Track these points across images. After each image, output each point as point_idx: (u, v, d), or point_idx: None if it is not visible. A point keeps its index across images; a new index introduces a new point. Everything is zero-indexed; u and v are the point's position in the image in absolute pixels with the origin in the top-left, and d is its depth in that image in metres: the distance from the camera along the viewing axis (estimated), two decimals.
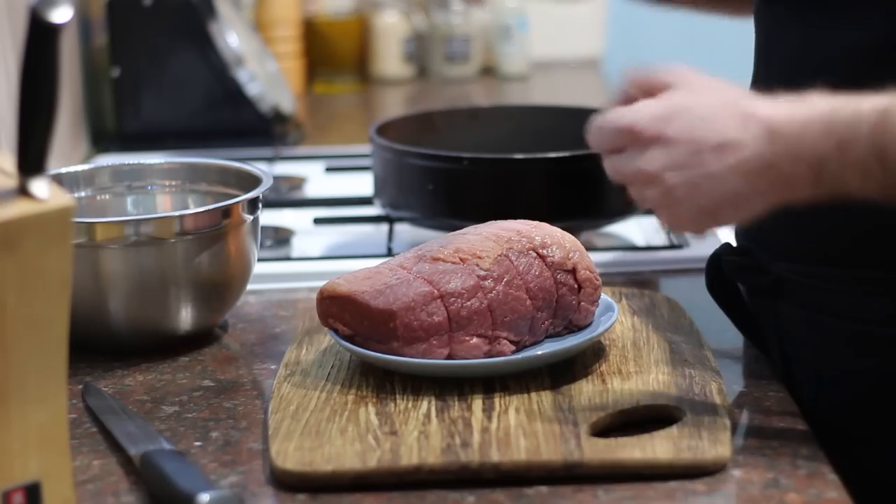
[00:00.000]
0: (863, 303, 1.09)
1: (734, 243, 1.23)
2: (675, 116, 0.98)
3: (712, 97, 0.99)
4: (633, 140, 1.00)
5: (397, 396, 1.09)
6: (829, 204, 1.10)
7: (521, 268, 1.15)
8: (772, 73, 1.16)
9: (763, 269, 1.16)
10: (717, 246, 1.22)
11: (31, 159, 0.84)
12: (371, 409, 1.08)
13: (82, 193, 1.36)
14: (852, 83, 1.07)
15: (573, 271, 1.17)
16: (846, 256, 1.10)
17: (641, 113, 1.00)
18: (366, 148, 1.68)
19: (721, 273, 1.20)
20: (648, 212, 1.16)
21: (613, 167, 1.02)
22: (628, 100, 1.04)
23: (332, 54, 2.56)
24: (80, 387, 1.17)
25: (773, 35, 1.15)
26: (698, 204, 0.98)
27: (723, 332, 1.24)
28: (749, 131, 0.96)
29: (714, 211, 0.98)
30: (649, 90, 1.02)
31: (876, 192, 0.95)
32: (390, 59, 2.58)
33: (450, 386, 1.10)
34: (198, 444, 1.07)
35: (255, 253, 1.30)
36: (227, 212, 1.25)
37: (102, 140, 2.14)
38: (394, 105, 2.50)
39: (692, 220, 0.99)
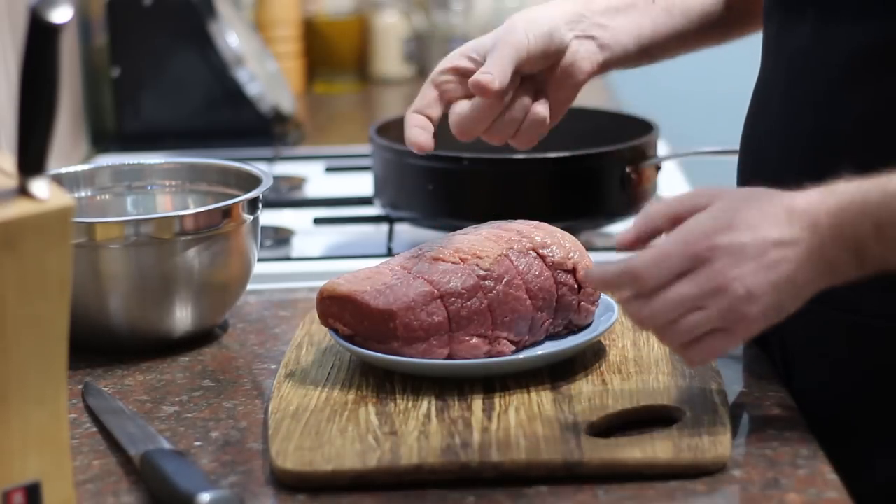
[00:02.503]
0: (864, 295, 1.09)
1: None
2: (731, 224, 0.97)
3: (750, 200, 0.98)
4: (698, 260, 0.97)
5: (397, 396, 1.10)
6: None
7: (521, 268, 1.15)
8: (781, 67, 1.16)
9: None
10: None
11: (31, 159, 0.84)
12: (371, 409, 1.08)
13: (82, 193, 1.36)
14: (865, 78, 1.07)
15: (573, 271, 1.17)
16: None
17: (697, 231, 0.98)
18: (366, 148, 1.68)
19: None
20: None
21: (672, 300, 0.98)
22: (642, 239, 1.03)
23: (332, 54, 2.56)
24: (80, 387, 1.17)
25: (785, 28, 1.15)
26: (766, 303, 0.97)
27: None
28: (796, 225, 0.96)
29: (780, 306, 0.98)
30: (676, 219, 1.01)
31: None
32: (390, 59, 2.58)
33: (450, 386, 1.10)
34: (198, 444, 1.07)
35: (255, 253, 1.30)
36: (227, 212, 1.25)
37: (102, 140, 2.14)
38: (394, 105, 2.50)
39: (760, 321, 0.98)
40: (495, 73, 1.19)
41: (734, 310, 0.97)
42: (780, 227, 0.97)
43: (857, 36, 1.07)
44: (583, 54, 1.25)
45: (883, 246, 0.96)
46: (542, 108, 1.23)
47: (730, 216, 0.98)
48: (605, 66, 1.27)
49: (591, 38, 1.26)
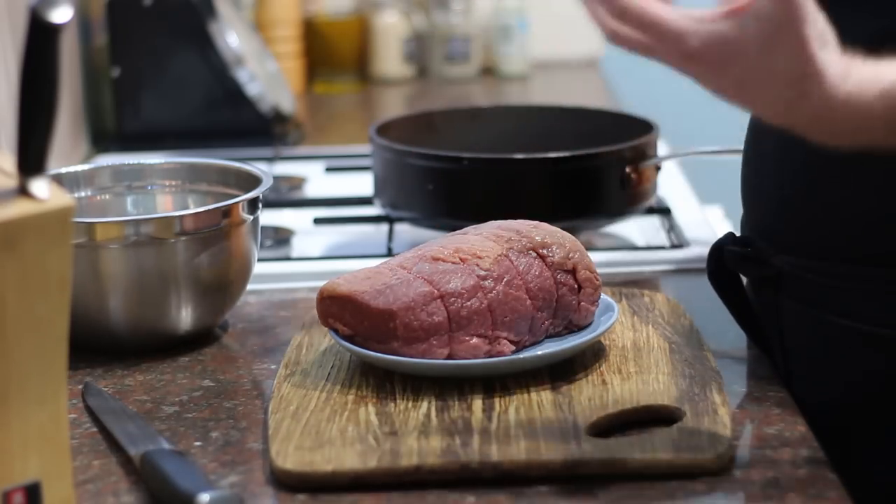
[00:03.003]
0: (865, 301, 1.09)
1: (739, 233, 1.23)
2: (733, 64, 0.91)
3: (783, 62, 0.90)
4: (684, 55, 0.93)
5: (397, 396, 1.10)
6: (834, 199, 1.10)
7: (521, 268, 1.15)
8: None
9: (765, 262, 1.16)
10: (721, 236, 1.22)
11: (31, 159, 0.84)
12: (371, 409, 1.08)
13: (82, 193, 1.36)
14: None
15: (573, 271, 1.17)
16: (849, 253, 1.10)
17: (711, 39, 0.91)
18: (366, 148, 1.68)
19: (723, 264, 1.20)
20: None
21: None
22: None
23: (332, 54, 2.56)
24: (80, 387, 1.17)
25: None
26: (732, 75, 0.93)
27: (723, 332, 1.24)
28: (803, 110, 0.92)
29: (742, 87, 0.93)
30: None
31: None
32: (390, 59, 2.58)
33: (450, 386, 1.10)
34: (198, 444, 1.07)
35: (255, 253, 1.30)
36: (227, 212, 1.25)
37: (102, 140, 2.14)
38: (394, 105, 2.51)
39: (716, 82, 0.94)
40: None
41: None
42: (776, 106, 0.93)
43: (861, 30, 1.07)
44: None
45: None
46: None
47: (741, 58, 0.91)
48: None
49: None
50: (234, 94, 2.06)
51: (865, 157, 1.01)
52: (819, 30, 0.90)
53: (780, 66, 0.90)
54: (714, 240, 1.25)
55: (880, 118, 0.91)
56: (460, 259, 1.14)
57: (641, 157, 1.51)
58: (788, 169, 1.13)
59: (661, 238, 1.58)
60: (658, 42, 0.93)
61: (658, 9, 0.93)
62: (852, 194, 1.09)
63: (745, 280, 1.22)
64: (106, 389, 1.17)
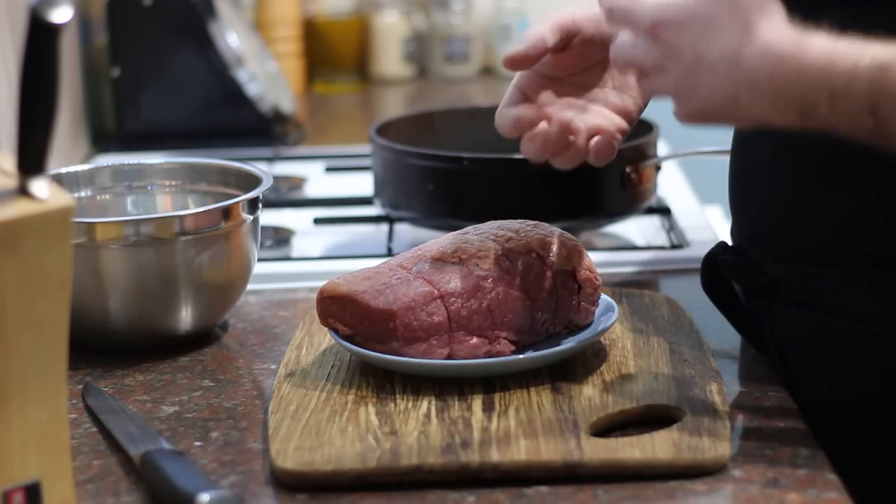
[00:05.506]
0: (860, 302, 1.09)
1: (730, 242, 1.23)
2: (685, 25, 0.97)
3: (723, 6, 0.97)
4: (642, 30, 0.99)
5: (397, 396, 1.10)
6: (826, 203, 1.10)
7: (520, 268, 1.15)
8: None
9: (759, 269, 1.16)
10: (714, 245, 1.22)
11: (31, 159, 0.84)
12: (371, 409, 1.08)
13: (82, 193, 1.36)
14: None
15: (573, 271, 1.17)
16: (843, 255, 1.10)
17: (658, 10, 0.98)
18: (366, 148, 1.69)
19: (717, 272, 1.20)
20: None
21: (622, 50, 1.01)
22: None
23: (332, 54, 2.56)
24: (80, 387, 1.17)
25: None
26: (697, 103, 0.98)
27: (723, 332, 1.24)
28: (747, 52, 0.95)
29: (710, 113, 0.98)
30: None
31: (865, 138, 0.95)
32: (390, 59, 2.58)
33: (450, 386, 1.10)
34: (198, 444, 1.07)
35: (255, 253, 1.30)
36: (227, 212, 1.25)
37: (102, 140, 2.14)
38: (394, 105, 2.51)
39: (695, 114, 0.99)
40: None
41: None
42: (727, 46, 0.95)
43: (838, 14, 1.06)
44: None
45: (834, 114, 0.94)
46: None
47: (691, 17, 0.97)
48: None
49: None
50: (234, 94, 2.06)
51: (856, 158, 1.01)
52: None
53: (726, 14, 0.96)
54: (714, 239, 1.25)
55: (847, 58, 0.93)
56: (460, 259, 1.14)
57: (641, 157, 1.51)
58: (778, 174, 1.13)
59: (661, 238, 1.58)
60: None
61: None
62: (843, 196, 1.09)
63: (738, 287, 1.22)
64: (106, 389, 1.17)
